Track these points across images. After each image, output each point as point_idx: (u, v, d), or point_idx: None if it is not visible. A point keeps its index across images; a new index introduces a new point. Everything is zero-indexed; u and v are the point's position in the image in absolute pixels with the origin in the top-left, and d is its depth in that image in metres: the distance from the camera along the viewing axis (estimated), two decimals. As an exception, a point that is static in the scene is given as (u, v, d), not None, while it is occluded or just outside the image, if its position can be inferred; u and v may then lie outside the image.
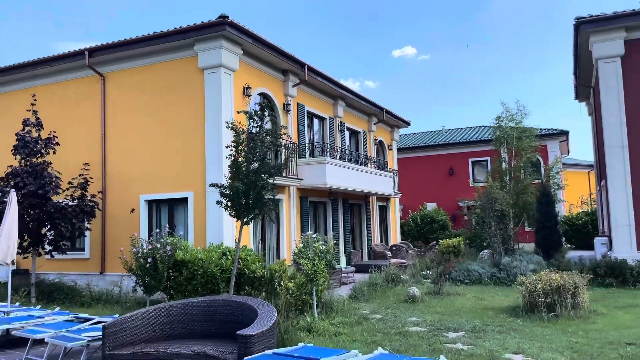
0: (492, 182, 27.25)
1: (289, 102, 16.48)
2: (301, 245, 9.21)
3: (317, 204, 18.50)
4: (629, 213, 14.21)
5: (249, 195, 9.32)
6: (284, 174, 15.70)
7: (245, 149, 9.46)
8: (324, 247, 9.01)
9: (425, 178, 34.06)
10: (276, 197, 15.27)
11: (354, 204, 21.47)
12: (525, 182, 25.29)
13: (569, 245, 25.30)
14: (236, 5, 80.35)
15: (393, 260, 19.00)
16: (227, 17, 12.95)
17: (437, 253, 20.22)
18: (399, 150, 34.17)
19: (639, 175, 14.24)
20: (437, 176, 33.88)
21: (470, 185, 32.16)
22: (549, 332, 7.93)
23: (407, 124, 26.80)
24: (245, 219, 9.55)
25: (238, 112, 10.72)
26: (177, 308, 6.79)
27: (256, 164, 9.41)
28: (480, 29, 79.11)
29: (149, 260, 9.94)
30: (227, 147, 9.49)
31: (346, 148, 20.94)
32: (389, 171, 24.77)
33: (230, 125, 9.42)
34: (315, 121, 19.10)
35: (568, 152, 34.81)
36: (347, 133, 21.43)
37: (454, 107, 79.81)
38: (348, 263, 19.64)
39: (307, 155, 17.59)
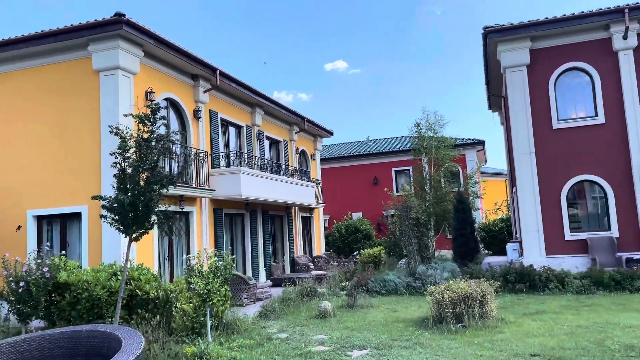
0: (412, 191, 27.68)
1: (200, 109, 15.56)
2: (193, 262, 8.36)
3: (233, 216, 17.62)
4: (537, 219, 14.51)
5: (137, 208, 8.37)
6: (194, 185, 14.75)
7: (134, 156, 8.53)
8: (221, 263, 8.21)
9: (351, 188, 33.99)
10: (184, 209, 14.32)
11: (275, 215, 20.76)
12: (444, 190, 25.76)
13: (486, 252, 25.90)
14: (164, 13, 77.78)
15: (314, 272, 18.43)
16: (124, 15, 11.93)
17: (358, 263, 19.95)
18: (325, 160, 33.94)
19: (546, 181, 14.61)
20: (363, 186, 33.90)
21: (394, 194, 32.49)
22: (456, 345, 7.59)
23: (330, 133, 26.54)
24: (134, 235, 8.58)
25: (125, 116, 9.71)
26: (31, 342, 5.74)
27: (146, 174, 8.49)
28: (409, 43, 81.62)
29: (22, 284, 8.69)
30: (111, 154, 8.50)
31: (266, 158, 20.25)
32: (312, 181, 24.32)
33: (115, 130, 8.45)
34: (232, 129, 18.26)
35: (485, 161, 36.09)
36: (266, 142, 20.75)
37: (382, 119, 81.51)
38: (268, 277, 18.87)
39: (221, 165, 16.71)
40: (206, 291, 7.84)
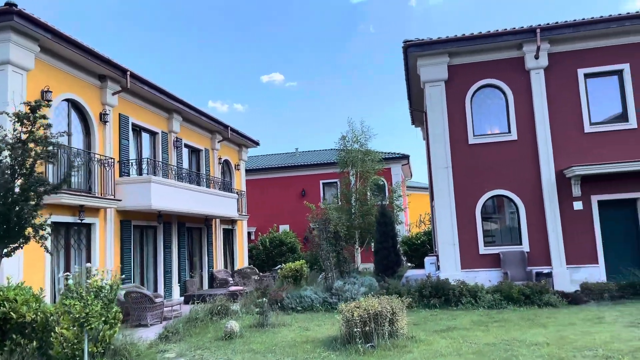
0: (339, 203, 27.53)
1: (107, 112, 14.42)
2: (70, 281, 7.39)
3: (144, 228, 16.46)
4: (453, 232, 14.59)
5: (8, 219, 7.32)
6: (97, 194, 13.56)
7: (7, 160, 7.48)
8: (105, 282, 7.30)
9: (279, 200, 33.40)
10: (84, 221, 13.08)
11: (192, 228, 19.71)
12: (370, 203, 25.82)
13: (409, 265, 26.11)
14: (88, 19, 73.96)
15: (232, 288, 17.57)
16: (15, 5, 10.76)
17: (279, 278, 19.30)
18: (254, 171, 33.18)
19: (462, 195, 14.74)
20: (291, 198, 33.38)
21: (322, 207, 32.24)
22: (361, 368, 7.15)
23: (256, 143, 25.86)
24: (5, 250, 7.49)
25: (0, 113, 8.61)
26: None
27: (19, 180, 7.46)
28: (344, 60, 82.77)
29: None
30: (-24, 157, 7.42)
31: (185, 167, 19.24)
32: (236, 192, 23.48)
33: (-17, 130, 7.38)
34: (145, 136, 17.15)
35: (411, 175, 36.77)
36: (185, 150, 19.73)
37: (316, 133, 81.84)
38: (183, 293, 17.79)
39: (132, 174, 15.57)
40: (84, 314, 6.90)
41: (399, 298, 9.47)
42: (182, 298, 16.81)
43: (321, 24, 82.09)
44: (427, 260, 16.77)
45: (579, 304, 11.80)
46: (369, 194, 30.41)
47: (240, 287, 17.76)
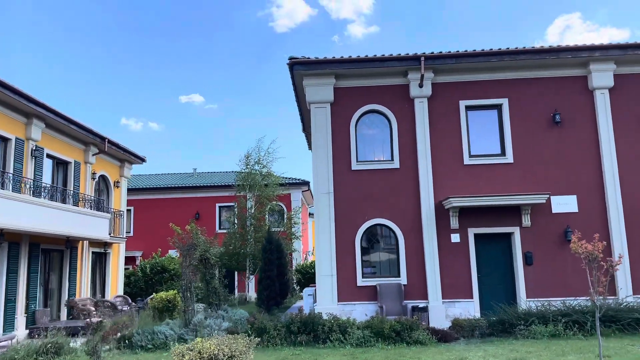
0: (236, 228, 26.04)
1: None
2: None
3: (-20, 249, 13.98)
4: (332, 262, 13.73)
5: None
6: None
7: None
8: None
9: (173, 222, 31.07)
10: None
11: (50, 250, 17.28)
12: (264, 229, 24.59)
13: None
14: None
15: (93, 320, 15.39)
16: None
17: (148, 309, 17.38)
18: (146, 190, 30.88)
19: (343, 223, 13.98)
20: (184, 220, 31.07)
21: (216, 231, 30.51)
22: None
23: (141, 160, 23.80)
24: None
25: None
26: None
27: None
28: (265, 84, 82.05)
29: None
30: None
31: (47, 180, 16.94)
32: (112, 212, 21.26)
33: None
34: (-8, 141, 14.80)
35: (313, 202, 36.08)
36: (47, 161, 17.42)
37: (231, 156, 79.68)
38: (31, 325, 15.32)
39: (-34, 184, 13.20)
40: None
41: (250, 337, 8.24)
42: (26, 332, 14.42)
43: (244, 49, 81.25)
44: (306, 291, 15.76)
45: (449, 341, 11.24)
46: (267, 218, 29.26)
47: (98, 319, 15.61)
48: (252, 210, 26.20)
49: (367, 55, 14.04)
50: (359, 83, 14.59)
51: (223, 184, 31.09)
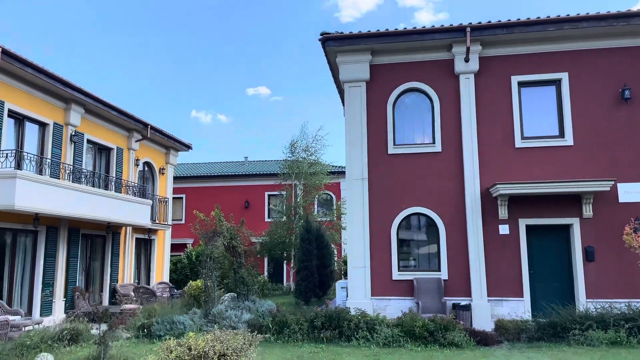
0: (284, 218, 25.57)
1: (-33, 93, 12.23)
2: None
3: (17, 232, 14.18)
4: (365, 253, 12.73)
5: None
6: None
7: None
8: None
9: (222, 210, 31.19)
10: None
11: (91, 235, 17.44)
12: (312, 218, 23.94)
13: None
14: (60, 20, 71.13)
15: (127, 306, 15.33)
16: None
17: (186, 296, 17.15)
18: (195, 178, 31.22)
19: (378, 211, 12.93)
20: (233, 209, 31.06)
21: (266, 220, 30.26)
22: None
23: (187, 147, 23.76)
24: None
25: None
26: None
27: None
28: (328, 72, 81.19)
29: None
30: None
31: (88, 165, 17.08)
32: (157, 198, 21.34)
33: None
34: (30, 126, 14.95)
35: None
36: (86, 146, 17.51)
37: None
38: (69, 309, 15.50)
39: (9, 166, 13.35)
40: None
41: (253, 334, 7.48)
42: (63, 316, 14.54)
43: (309, 41, 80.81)
44: (339, 284, 14.83)
45: (490, 345, 9.96)
46: (315, 208, 28.58)
47: (135, 306, 15.52)
48: (299, 199, 25.61)
49: (405, 28, 12.81)
50: (398, 59, 13.39)
51: (272, 172, 30.70)
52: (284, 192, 27.45)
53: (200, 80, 76.87)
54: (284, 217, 25.78)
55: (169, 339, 10.51)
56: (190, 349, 6.63)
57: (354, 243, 12.83)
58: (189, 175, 31.60)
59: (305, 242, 18.01)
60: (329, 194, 29.75)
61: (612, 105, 12.31)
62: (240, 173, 31.67)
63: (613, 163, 12.10)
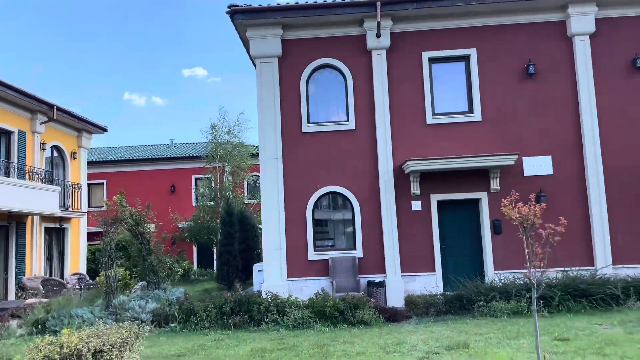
0: (211, 201, 24.83)
1: None
2: None
3: None
4: (280, 235, 12.43)
5: None
6: None
7: None
8: None
9: (146, 196, 29.82)
10: None
11: (-10, 226, 16.06)
12: (237, 201, 23.41)
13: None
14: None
15: (29, 301, 14.23)
16: None
17: (99, 287, 16.24)
18: (117, 162, 29.62)
19: (293, 191, 12.63)
20: (159, 194, 29.94)
21: (194, 204, 29.30)
22: None
23: (102, 129, 22.37)
24: None
25: None
26: None
27: None
28: None
29: None
30: None
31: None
32: (67, 185, 19.99)
33: None
34: None
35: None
36: (-18, 131, 16.03)
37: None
38: (-37, 307, 14.18)
39: None
40: None
41: (140, 326, 6.99)
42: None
43: None
44: (256, 267, 14.47)
45: (399, 321, 10.00)
46: (246, 190, 28.01)
47: (36, 300, 14.45)
48: (226, 182, 24.98)
49: (316, 1, 12.40)
50: (310, 34, 13.00)
51: (199, 155, 29.70)
52: (207, 175, 26.70)
53: (132, 61, 73.10)
54: (211, 201, 25.08)
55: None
56: (62, 347, 6.06)
57: (269, 224, 12.49)
58: (110, 159, 29.96)
59: (227, 225, 17.50)
60: (259, 176, 29.24)
61: (517, 80, 12.57)
62: (165, 156, 30.41)
63: (519, 137, 12.40)
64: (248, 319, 10.18)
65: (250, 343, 8.60)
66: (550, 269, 11.15)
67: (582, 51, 12.32)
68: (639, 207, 12.04)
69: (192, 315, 10.17)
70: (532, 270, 5.80)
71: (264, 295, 10.79)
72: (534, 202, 5.97)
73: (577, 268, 11.26)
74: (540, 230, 5.76)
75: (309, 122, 12.87)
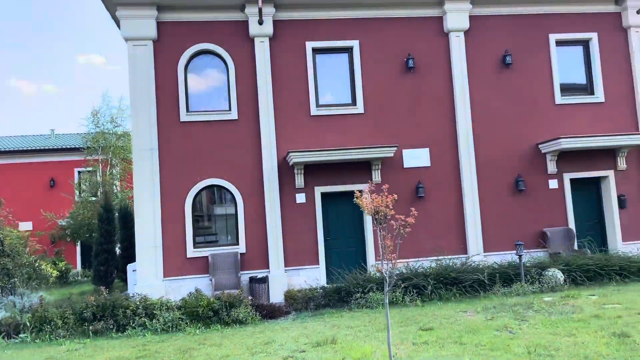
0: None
1: None
2: None
3: None
4: (155, 231, 11.59)
5: None
6: None
7: None
8: None
9: (21, 191, 27.09)
10: None
11: None
12: (124, 196, 21.89)
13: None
14: None
15: None
16: None
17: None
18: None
19: (170, 184, 11.84)
20: (36, 188, 27.31)
21: (77, 199, 27.01)
22: None
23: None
24: None
25: None
26: None
27: None
28: None
29: None
30: None
31: None
32: None
33: None
34: None
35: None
36: None
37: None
38: None
39: None
40: None
41: (14, 333, 5.97)
42: None
43: None
44: (130, 267, 13.49)
45: (276, 317, 9.70)
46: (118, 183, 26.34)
47: None
48: (108, 176, 23.30)
49: (193, -18, 11.67)
50: (189, 17, 12.22)
51: (81, 145, 27.44)
52: (90, 169, 24.77)
53: (20, 45, 65.86)
54: (93, 197, 23.28)
55: None
56: None
57: (143, 220, 11.59)
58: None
59: (104, 222, 16.19)
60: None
61: (398, 74, 12.74)
62: (44, 147, 27.77)
63: (399, 130, 12.59)
64: (113, 325, 9.32)
65: (108, 352, 7.82)
66: (424, 259, 11.56)
67: (457, 47, 12.77)
68: (508, 197, 12.76)
69: (46, 324, 9.11)
70: (385, 262, 5.68)
71: (136, 297, 9.96)
72: (386, 193, 5.83)
73: (452, 257, 11.69)
74: (392, 221, 5.66)
75: (188, 111, 12.13)
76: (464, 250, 12.42)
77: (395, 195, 5.89)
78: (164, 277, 11.58)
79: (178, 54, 12.16)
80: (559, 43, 13.28)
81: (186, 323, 9.21)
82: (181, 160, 11.99)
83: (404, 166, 12.51)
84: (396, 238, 5.62)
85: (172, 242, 11.74)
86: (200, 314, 9.37)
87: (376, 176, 12.31)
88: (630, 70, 13.38)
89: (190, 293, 10.03)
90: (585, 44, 13.45)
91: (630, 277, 10.65)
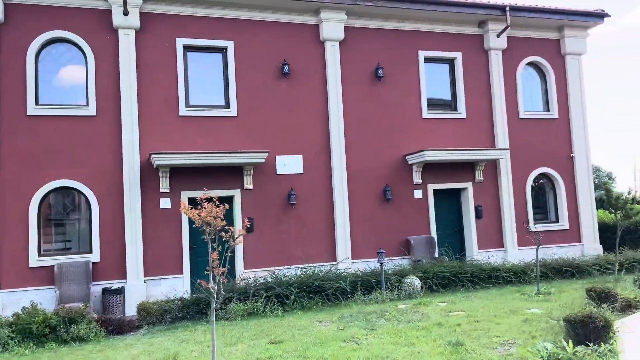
0: None
1: None
2: None
3: None
4: (-9, 238, 10.23)
5: None
6: None
7: None
8: None
9: None
10: None
11: None
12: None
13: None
14: None
15: None
16: None
17: None
18: None
19: (12, 184, 10.58)
20: None
21: None
22: None
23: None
24: None
25: None
26: None
27: None
28: None
29: None
30: None
31: None
32: None
33: None
34: None
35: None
36: None
37: None
38: None
39: None
40: None
41: None
42: None
43: None
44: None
45: (125, 332, 8.96)
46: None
47: None
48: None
49: (46, -39, 10.54)
50: (42, 0, 11.03)
51: None
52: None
53: None
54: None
55: None
56: None
57: (-24, 225, 10.19)
58: None
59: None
60: None
61: (274, 78, 12.55)
62: None
63: (273, 136, 12.39)
64: None
65: None
66: (294, 266, 11.45)
67: (332, 56, 12.88)
68: (377, 206, 13.08)
69: None
70: (213, 275, 5.39)
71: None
72: (217, 202, 5.54)
73: (321, 264, 11.72)
74: (222, 233, 5.39)
75: (37, 104, 10.92)
76: (333, 257, 12.50)
77: (227, 206, 5.61)
78: (1, 289, 10.27)
79: (28, 39, 10.92)
80: (428, 60, 13.95)
81: (16, 342, 8.16)
82: (28, 158, 10.75)
83: (277, 172, 12.33)
84: (226, 251, 5.34)
85: (13, 248, 10.46)
86: (35, 331, 8.35)
87: (248, 182, 12.00)
88: (490, 90, 14.42)
89: (23, 308, 8.93)
90: (451, 62, 14.26)
91: (480, 283, 11.37)
